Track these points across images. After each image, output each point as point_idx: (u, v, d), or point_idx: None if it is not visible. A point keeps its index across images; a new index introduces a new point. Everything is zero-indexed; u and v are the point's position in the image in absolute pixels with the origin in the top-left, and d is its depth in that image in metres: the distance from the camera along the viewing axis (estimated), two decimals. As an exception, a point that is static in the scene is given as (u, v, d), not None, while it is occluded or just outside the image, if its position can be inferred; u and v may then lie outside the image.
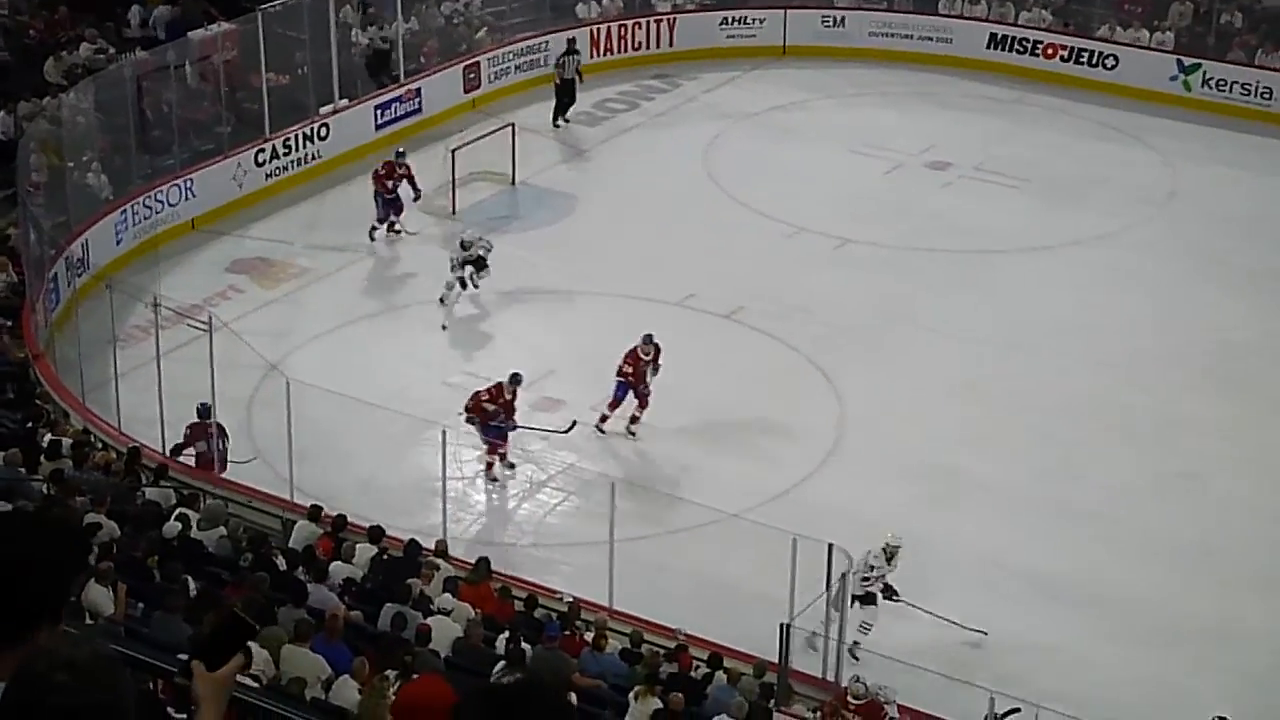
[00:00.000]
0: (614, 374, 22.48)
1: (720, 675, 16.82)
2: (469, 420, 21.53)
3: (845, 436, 22.88)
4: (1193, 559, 20.53)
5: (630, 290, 26.19)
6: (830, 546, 17.41)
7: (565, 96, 32.41)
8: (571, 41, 32.80)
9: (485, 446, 21.76)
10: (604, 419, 22.64)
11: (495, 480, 21.84)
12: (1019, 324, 25.53)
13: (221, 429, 21.10)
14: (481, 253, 25.46)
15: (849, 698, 16.62)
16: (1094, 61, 34.26)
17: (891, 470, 21.99)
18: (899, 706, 16.67)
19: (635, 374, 22.49)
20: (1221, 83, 33.27)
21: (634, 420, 22.74)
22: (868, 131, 32.23)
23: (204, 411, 20.98)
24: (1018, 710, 16.30)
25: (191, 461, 20.81)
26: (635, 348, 22.59)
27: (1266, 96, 32.86)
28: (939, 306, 26.06)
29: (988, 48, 35.10)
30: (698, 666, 17.23)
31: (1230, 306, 26.10)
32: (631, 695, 15.71)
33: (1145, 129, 32.25)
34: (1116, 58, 34.05)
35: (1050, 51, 34.67)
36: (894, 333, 25.34)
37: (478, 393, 21.71)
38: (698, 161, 30.96)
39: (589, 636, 17.11)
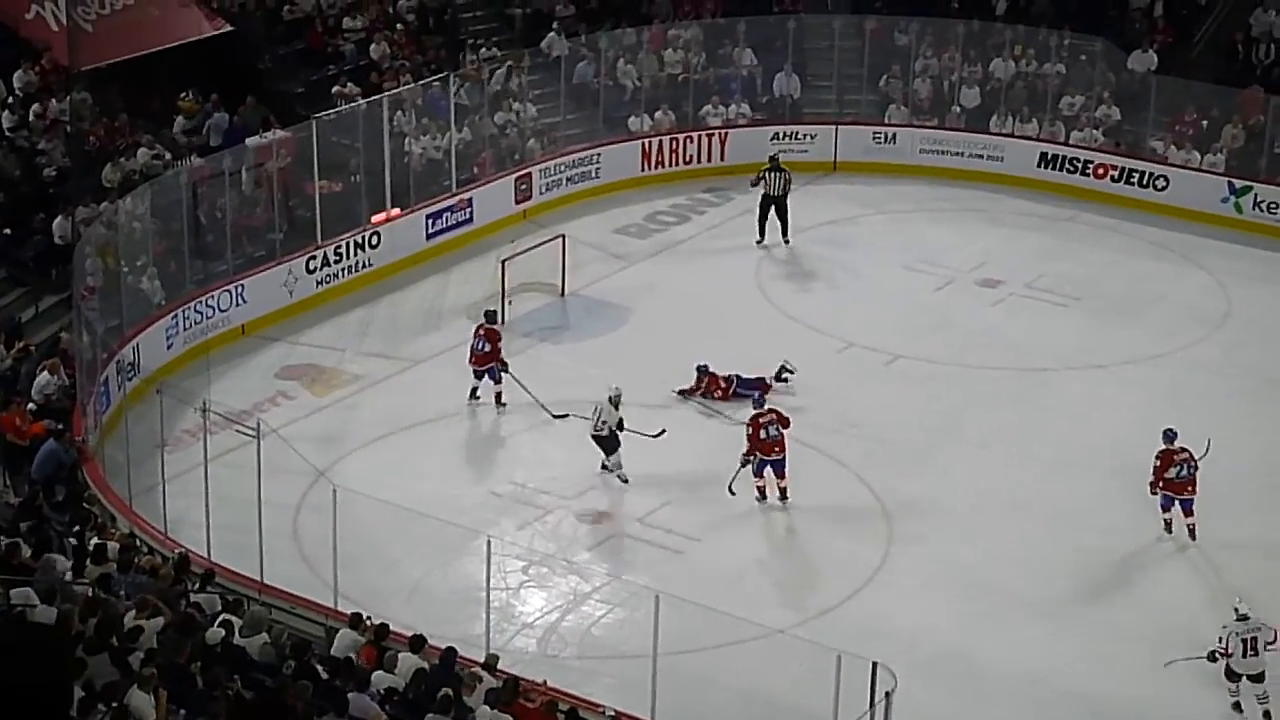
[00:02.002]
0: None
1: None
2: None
3: (892, 554, 22.72)
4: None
5: (680, 403, 26.25)
6: (874, 665, 17.19)
7: (776, 211, 32.14)
8: (775, 159, 32.58)
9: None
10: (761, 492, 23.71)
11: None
12: (1070, 443, 25.37)
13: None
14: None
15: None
16: (1145, 182, 34.23)
17: (938, 588, 21.83)
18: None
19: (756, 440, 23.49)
20: (1273, 205, 33.19)
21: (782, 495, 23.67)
22: (919, 247, 32.25)
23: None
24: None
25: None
26: (754, 415, 23.76)
27: (1318, 218, 32.87)
28: (989, 423, 25.95)
29: (1039, 166, 35.16)
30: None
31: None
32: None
33: (1197, 249, 32.18)
34: (1168, 179, 34.02)
35: (1101, 171, 34.69)
36: (943, 449, 25.22)
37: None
38: (749, 275, 31.01)
39: (630, 751, 16.95)
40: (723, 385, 26.38)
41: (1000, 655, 20.42)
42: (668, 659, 18.58)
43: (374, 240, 30.27)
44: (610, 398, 24.03)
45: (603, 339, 28.47)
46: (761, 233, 32.13)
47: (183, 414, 24.11)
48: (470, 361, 26.14)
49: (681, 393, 26.41)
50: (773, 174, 32.13)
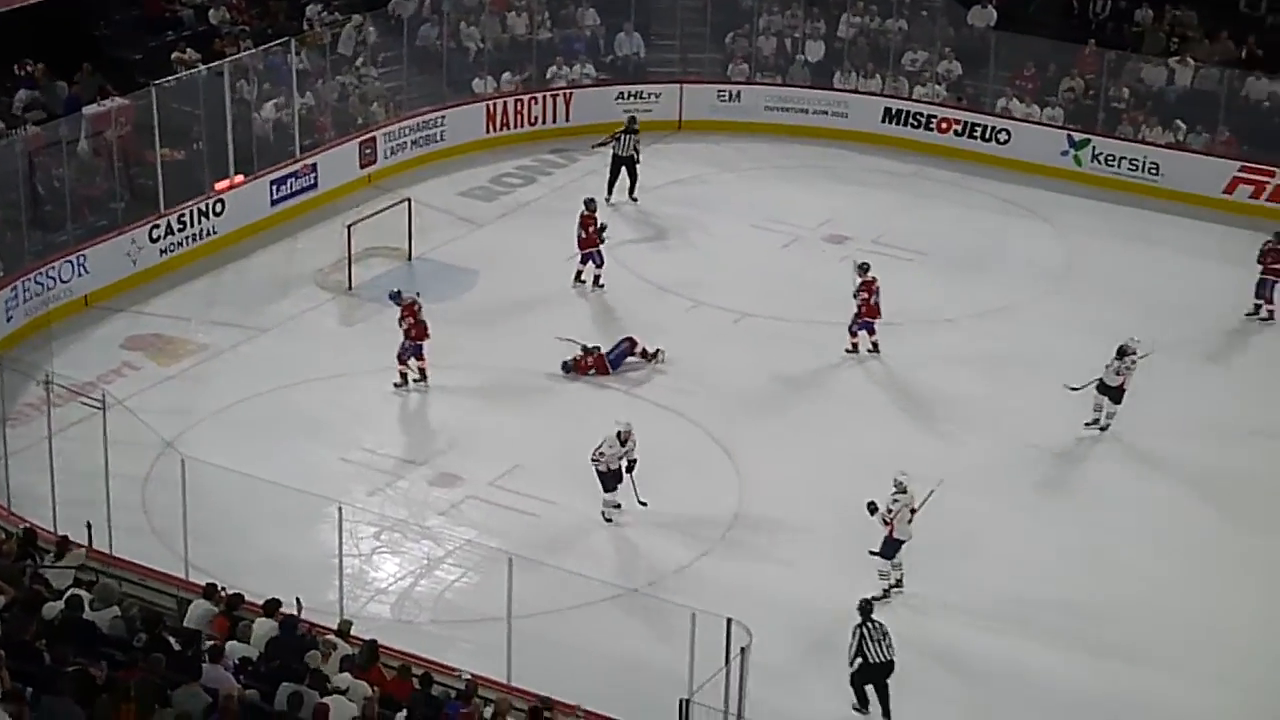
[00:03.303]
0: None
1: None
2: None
3: (745, 510, 22.87)
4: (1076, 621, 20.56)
5: (526, 364, 26.22)
6: (729, 621, 17.32)
7: (627, 171, 32.32)
8: (633, 119, 32.72)
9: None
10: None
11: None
12: (918, 396, 25.65)
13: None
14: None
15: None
16: (988, 136, 34.63)
17: (789, 544, 21.99)
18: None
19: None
20: (1111, 158, 33.73)
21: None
22: (766, 205, 32.40)
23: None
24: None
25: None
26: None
27: (1153, 171, 33.31)
28: (838, 379, 26.16)
29: (883, 122, 35.43)
30: (598, 744, 17.12)
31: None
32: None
33: (1039, 202, 32.61)
34: (1009, 133, 34.46)
35: (944, 126, 35.03)
36: (794, 406, 25.41)
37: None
38: (596, 236, 31.00)
39: (488, 714, 16.94)
40: (594, 361, 26.26)
41: (851, 605, 20.61)
42: (523, 622, 18.61)
43: (218, 208, 29.91)
44: (619, 433, 22.64)
45: (451, 303, 28.31)
46: (610, 191, 32.14)
47: (25, 387, 23.76)
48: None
49: (566, 367, 26.27)
50: (627, 135, 32.15)
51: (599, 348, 26.24)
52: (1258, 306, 28.47)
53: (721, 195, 33.09)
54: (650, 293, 28.84)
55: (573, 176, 33.54)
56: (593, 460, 22.43)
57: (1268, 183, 32.58)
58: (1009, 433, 24.71)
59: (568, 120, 35.44)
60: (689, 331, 27.53)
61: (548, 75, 35.88)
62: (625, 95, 35.70)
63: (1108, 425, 24.67)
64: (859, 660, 18.93)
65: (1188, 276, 29.97)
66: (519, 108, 35.24)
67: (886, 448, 23.84)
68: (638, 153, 32.31)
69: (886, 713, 19.12)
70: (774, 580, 21.12)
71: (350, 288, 28.39)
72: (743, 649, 17.04)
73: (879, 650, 18.83)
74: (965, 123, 34.88)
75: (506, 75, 35.51)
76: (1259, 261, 28.34)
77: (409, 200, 29.97)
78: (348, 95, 33.62)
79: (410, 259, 29.74)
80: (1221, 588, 21.75)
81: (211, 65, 30.99)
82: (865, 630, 18.87)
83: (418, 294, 26.12)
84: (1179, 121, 33.74)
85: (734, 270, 29.79)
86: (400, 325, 25.67)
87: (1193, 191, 32.91)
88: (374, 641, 17.81)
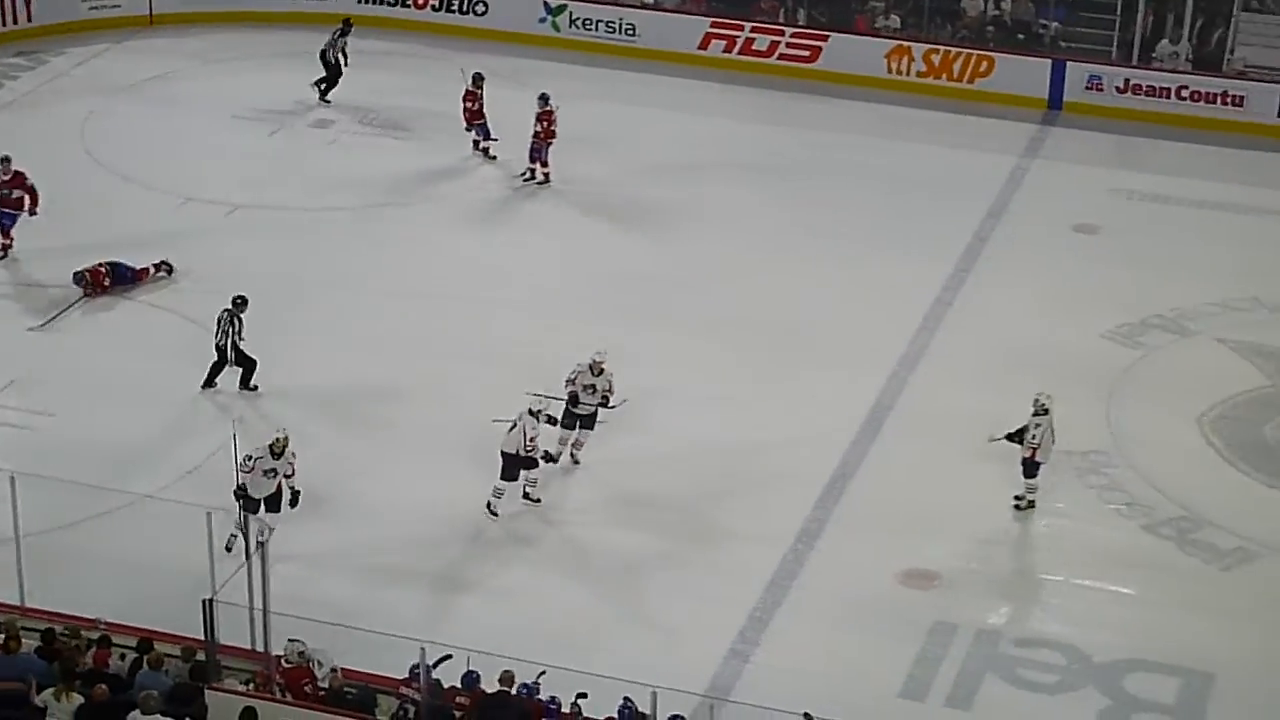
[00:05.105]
0: None
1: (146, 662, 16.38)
2: None
3: (254, 403, 22.57)
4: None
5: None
6: (245, 516, 17.18)
7: (331, 72, 31.61)
8: (345, 22, 31.94)
9: None
10: None
11: None
12: (426, 273, 25.82)
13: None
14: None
15: (283, 662, 16.48)
16: (465, 9, 34.64)
17: (303, 420, 21.73)
18: (339, 669, 16.59)
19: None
20: (588, 22, 34.16)
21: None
22: (247, 95, 31.79)
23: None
24: (449, 657, 16.45)
25: None
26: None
27: (630, 33, 33.94)
28: (340, 263, 25.99)
29: (360, 2, 34.91)
30: (124, 655, 16.73)
31: (630, 240, 27.15)
32: (50, 694, 15.18)
33: (520, 71, 32.69)
34: (486, 4, 34.53)
35: (422, 2, 34.87)
36: (299, 295, 25.05)
37: None
38: (75, 140, 29.89)
39: (-1, 639, 16.38)
40: (103, 274, 25.11)
41: (378, 475, 20.65)
42: (36, 539, 18.06)
43: None
44: (531, 409, 20.38)
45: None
46: (327, 91, 31.65)
47: None
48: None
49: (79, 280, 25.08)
50: (342, 37, 31.74)
51: (114, 264, 25.22)
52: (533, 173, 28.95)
53: (201, 88, 32.32)
54: (136, 194, 28.02)
55: (42, 80, 32.24)
56: (526, 452, 20.40)
57: (738, 36, 33.52)
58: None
59: (30, 21, 33.78)
60: (180, 228, 26.87)
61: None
62: (89, -9, 34.30)
63: None
64: None
65: (670, 129, 30.89)
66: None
67: (393, 326, 24.09)
68: (345, 56, 31.70)
69: None
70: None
71: None
72: (261, 543, 16.89)
73: None
74: (438, -7, 34.87)
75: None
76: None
77: None
78: None
79: None
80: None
81: None
82: None
83: None
84: (653, -19, 34.42)
85: (221, 163, 29.19)
86: None
87: (670, 50, 33.66)
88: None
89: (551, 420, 20.78)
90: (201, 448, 21.38)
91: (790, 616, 19.09)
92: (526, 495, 20.62)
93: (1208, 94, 31.26)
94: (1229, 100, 31.16)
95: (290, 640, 16.61)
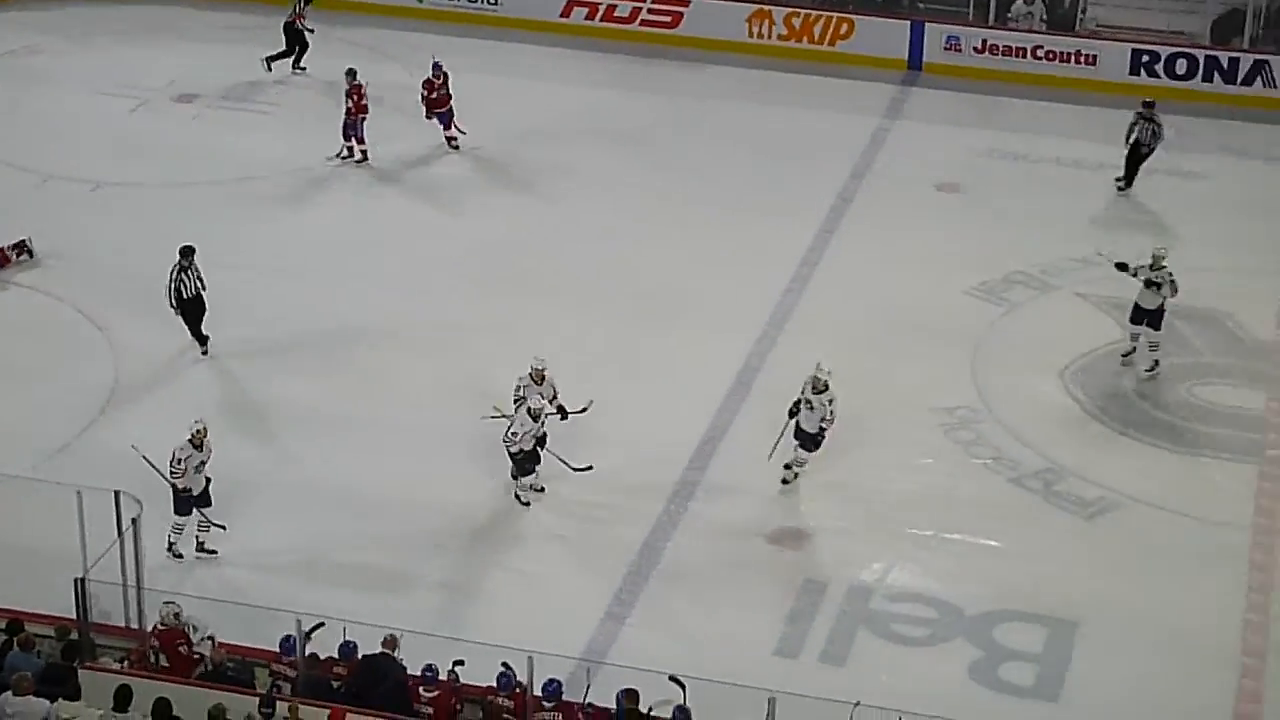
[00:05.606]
0: None
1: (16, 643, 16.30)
2: None
3: (126, 384, 22.42)
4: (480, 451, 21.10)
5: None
6: (117, 494, 17.11)
7: (298, 43, 31.64)
8: None
9: None
10: None
11: None
12: (294, 249, 25.79)
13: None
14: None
15: (158, 625, 16.51)
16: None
17: (175, 416, 21.59)
18: (215, 639, 16.61)
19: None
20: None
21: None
22: (109, 70, 31.52)
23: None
24: (322, 625, 16.51)
25: None
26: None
27: (492, 2, 34.05)
28: (209, 239, 25.73)
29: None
30: (-6, 639, 16.66)
31: (497, 210, 27.27)
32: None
33: (388, 43, 32.60)
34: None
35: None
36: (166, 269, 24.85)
37: None
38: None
39: None
40: None
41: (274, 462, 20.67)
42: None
43: None
44: (530, 410, 19.98)
45: None
46: (299, 60, 31.75)
47: None
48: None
49: None
50: (306, 4, 31.84)
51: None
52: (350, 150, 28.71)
53: (60, 64, 31.99)
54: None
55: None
56: (504, 442, 20.16)
57: (600, 4, 33.58)
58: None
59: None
60: (42, 207, 26.66)
61: None
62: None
63: None
64: None
65: (533, 97, 31.01)
66: None
67: (263, 301, 24.08)
68: (305, 26, 31.73)
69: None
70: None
71: None
72: (134, 519, 16.84)
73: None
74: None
75: None
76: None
77: None
78: None
79: None
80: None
81: None
82: None
83: None
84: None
85: (82, 139, 28.93)
86: None
87: (532, 18, 33.71)
88: None
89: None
90: (71, 426, 21.25)
91: (664, 579, 19.28)
92: (517, 497, 20.48)
93: (1062, 53, 31.76)
94: (1082, 59, 31.71)
95: (165, 603, 16.65)
